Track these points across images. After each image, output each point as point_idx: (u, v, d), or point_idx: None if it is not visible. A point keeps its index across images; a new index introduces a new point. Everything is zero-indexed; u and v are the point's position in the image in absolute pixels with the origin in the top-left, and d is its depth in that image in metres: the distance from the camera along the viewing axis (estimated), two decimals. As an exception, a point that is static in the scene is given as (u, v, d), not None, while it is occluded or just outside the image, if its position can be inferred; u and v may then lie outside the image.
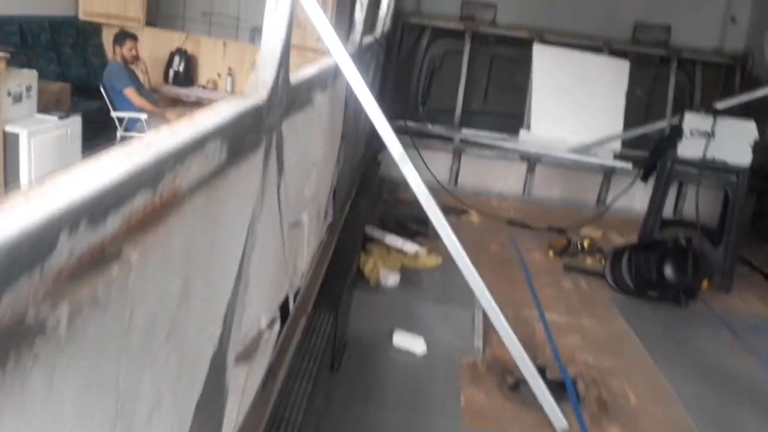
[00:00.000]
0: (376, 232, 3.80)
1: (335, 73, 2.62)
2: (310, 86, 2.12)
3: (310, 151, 2.38)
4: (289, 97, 1.74)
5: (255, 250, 1.60)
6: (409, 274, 3.56)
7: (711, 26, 6.06)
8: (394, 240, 3.73)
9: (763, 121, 5.51)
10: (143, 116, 6.71)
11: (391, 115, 5.85)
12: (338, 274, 2.96)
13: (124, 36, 6.82)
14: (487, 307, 2.73)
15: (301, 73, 2.01)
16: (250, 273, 1.57)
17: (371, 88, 4.71)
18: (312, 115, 2.26)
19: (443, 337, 3.15)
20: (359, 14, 3.28)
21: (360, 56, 3.45)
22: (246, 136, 1.37)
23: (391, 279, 3.38)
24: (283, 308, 2.21)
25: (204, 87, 8.40)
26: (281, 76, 1.62)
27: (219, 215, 1.25)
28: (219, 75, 8.50)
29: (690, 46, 6.04)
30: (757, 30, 5.86)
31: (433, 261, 3.66)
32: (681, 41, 6.07)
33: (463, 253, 2.76)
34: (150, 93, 7.04)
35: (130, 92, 6.41)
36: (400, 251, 3.68)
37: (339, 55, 2.57)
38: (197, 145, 1.05)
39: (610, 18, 6.03)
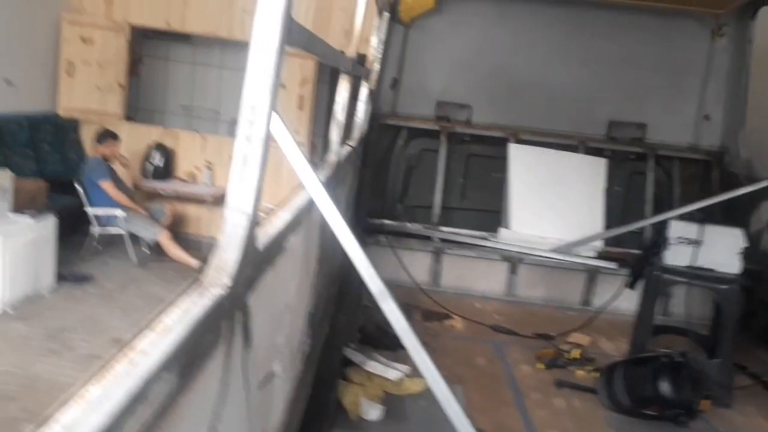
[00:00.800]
0: (356, 356, 3.58)
1: (310, 206, 2.49)
2: (282, 238, 1.97)
3: (283, 296, 2.21)
4: (256, 265, 1.58)
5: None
6: (393, 403, 3.32)
7: (686, 123, 6.15)
8: (375, 367, 3.50)
9: (744, 216, 5.53)
10: (119, 213, 6.54)
11: (370, 214, 5.80)
12: (315, 416, 2.72)
13: (105, 135, 6.77)
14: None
15: (271, 228, 1.86)
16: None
17: (349, 192, 4.62)
18: (284, 262, 2.10)
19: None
20: (335, 135, 3.19)
21: (336, 174, 3.35)
22: (202, 343, 1.19)
23: (372, 412, 3.13)
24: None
25: (183, 180, 8.30)
26: (248, 250, 1.46)
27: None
28: (198, 168, 8.42)
29: (666, 143, 6.11)
30: (730, 128, 5.96)
31: (417, 386, 3.43)
32: (657, 138, 6.14)
33: (444, 387, 2.55)
34: (128, 189, 6.92)
35: (107, 185, 6.31)
36: (382, 377, 3.45)
37: (314, 189, 2.44)
38: (139, 395, 0.87)
39: (584, 116, 6.11)
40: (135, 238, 6.69)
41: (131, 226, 6.53)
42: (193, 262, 6.08)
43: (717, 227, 4.18)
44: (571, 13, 5.98)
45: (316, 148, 8.54)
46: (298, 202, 2.32)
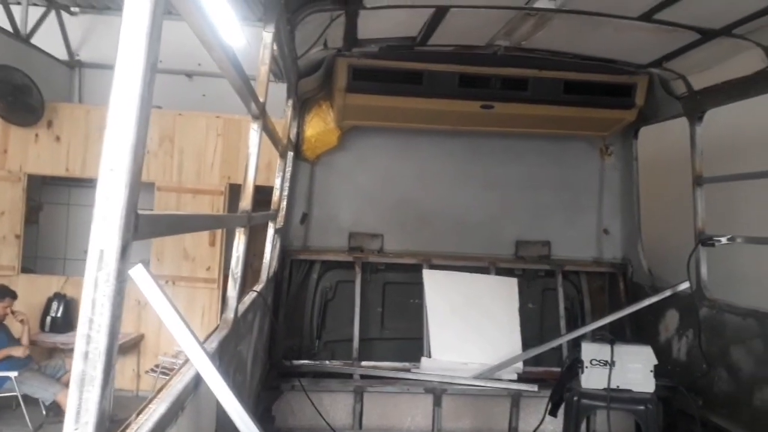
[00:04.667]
0: None
1: (197, 381, 2.29)
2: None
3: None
4: None
5: None
6: None
7: (587, 238, 6.42)
8: None
9: (653, 326, 5.67)
10: (13, 374, 6.03)
11: (285, 356, 5.54)
12: None
13: (1, 294, 6.39)
14: None
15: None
16: None
17: (258, 340, 4.40)
18: None
19: None
20: (232, 291, 3.05)
21: (236, 332, 3.18)
22: None
23: None
24: None
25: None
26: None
27: None
28: (101, 315, 7.92)
29: (571, 259, 6.32)
30: (630, 240, 6.25)
31: None
32: (562, 254, 6.35)
33: None
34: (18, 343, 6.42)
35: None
36: None
37: (199, 361, 2.26)
38: None
39: (492, 238, 6.27)
40: (32, 400, 6.13)
41: (26, 387, 6.00)
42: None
43: (627, 346, 4.23)
44: (471, 143, 6.29)
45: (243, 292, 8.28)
46: (178, 385, 2.12)
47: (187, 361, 2.28)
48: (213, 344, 2.66)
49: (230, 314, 3.06)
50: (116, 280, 1.22)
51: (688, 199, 5.22)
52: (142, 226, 1.35)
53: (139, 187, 1.30)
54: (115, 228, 1.22)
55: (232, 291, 3.08)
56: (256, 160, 3.13)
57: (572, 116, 5.52)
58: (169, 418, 1.89)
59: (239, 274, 3.15)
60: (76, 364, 1.27)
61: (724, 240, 4.86)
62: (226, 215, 2.84)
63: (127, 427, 1.71)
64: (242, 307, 3.57)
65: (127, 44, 1.25)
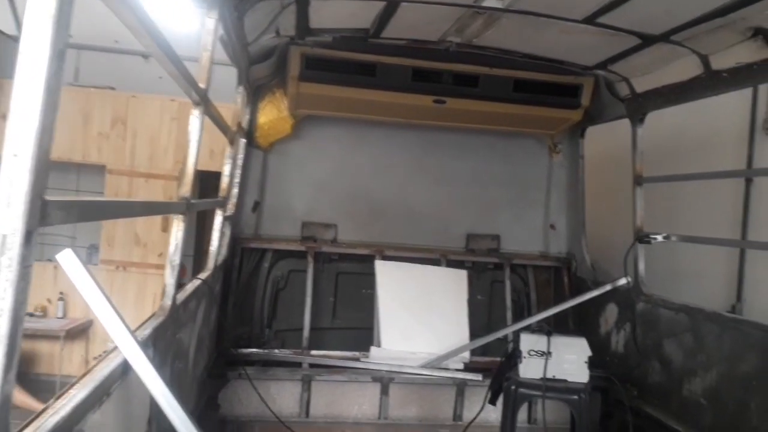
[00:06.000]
0: None
1: (125, 369, 2.30)
2: (72, 424, 1.77)
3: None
4: None
5: None
6: None
7: (535, 233, 6.59)
8: None
9: (594, 318, 5.87)
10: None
11: (235, 344, 5.54)
12: None
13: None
14: None
15: (49, 421, 1.67)
16: None
17: (202, 328, 4.40)
18: None
19: None
20: (170, 279, 3.06)
21: (173, 319, 3.19)
22: None
23: None
24: None
25: (32, 314, 7.66)
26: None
27: None
28: (49, 300, 7.82)
29: (519, 252, 6.47)
30: (574, 235, 6.44)
31: None
32: (510, 247, 6.50)
33: None
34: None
35: None
36: None
37: (128, 348, 2.27)
38: None
39: (444, 231, 6.38)
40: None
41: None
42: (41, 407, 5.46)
43: (563, 338, 4.37)
44: (423, 136, 6.37)
45: (186, 270, 8.21)
46: (104, 370, 2.13)
47: (115, 348, 2.29)
48: (146, 331, 2.67)
49: (168, 301, 3.07)
50: (20, 265, 1.23)
51: (630, 196, 5.41)
52: (52, 212, 1.36)
53: (47, 172, 1.30)
54: (19, 213, 1.23)
55: (170, 278, 3.09)
56: (197, 146, 3.13)
57: (521, 114, 5.64)
58: (90, 403, 1.91)
59: (177, 261, 3.16)
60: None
61: (659, 238, 5.06)
62: (160, 202, 2.81)
63: (43, 411, 1.72)
64: (184, 295, 3.58)
65: (33, 18, 1.22)
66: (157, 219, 8.21)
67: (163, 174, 8.34)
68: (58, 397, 1.82)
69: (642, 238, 5.15)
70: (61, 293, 7.77)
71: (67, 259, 2.10)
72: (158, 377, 2.28)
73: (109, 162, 8.23)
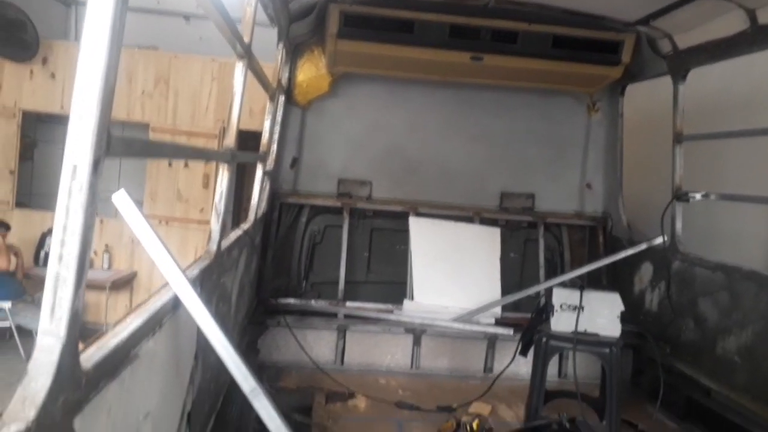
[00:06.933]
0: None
1: (176, 304, 2.46)
2: (130, 346, 1.94)
3: (140, 406, 2.14)
4: (83, 388, 1.55)
5: None
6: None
7: (570, 192, 6.57)
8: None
9: (628, 277, 5.88)
10: (5, 305, 6.21)
11: (273, 294, 5.75)
12: None
13: (-7, 225, 6.54)
14: None
15: (112, 339, 1.83)
16: None
17: (244, 276, 4.59)
18: (137, 370, 2.06)
19: None
20: (215, 225, 3.21)
21: (218, 263, 3.35)
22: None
23: None
24: None
25: (79, 265, 7.99)
26: (64, 377, 1.42)
27: None
28: (95, 252, 8.16)
29: (554, 211, 6.48)
30: (611, 195, 6.41)
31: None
32: (545, 206, 6.51)
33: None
34: (16, 281, 6.62)
35: None
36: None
37: (178, 285, 2.43)
38: None
39: (478, 189, 6.42)
40: (25, 331, 6.35)
41: (19, 318, 6.21)
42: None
43: (596, 293, 4.40)
44: (460, 94, 6.36)
45: (226, 227, 8.45)
46: (156, 303, 2.29)
47: (166, 284, 2.44)
48: (194, 272, 2.82)
49: (213, 246, 3.23)
50: (89, 190, 1.36)
51: (670, 156, 5.34)
52: (115, 146, 1.49)
53: (110, 109, 1.43)
54: (88, 145, 1.35)
55: (215, 224, 3.24)
56: (240, 99, 3.24)
57: (560, 71, 5.59)
58: (145, 331, 2.06)
59: (222, 208, 3.31)
60: (51, 266, 1.43)
61: (698, 196, 5.01)
62: (208, 149, 2.93)
63: (103, 334, 1.88)
64: (227, 242, 3.74)
65: None
66: (199, 176, 8.44)
67: (204, 132, 8.52)
68: (117, 324, 1.98)
69: (680, 196, 5.11)
70: (106, 245, 8.10)
71: (122, 199, 2.25)
72: (206, 311, 2.44)
73: (152, 120, 8.45)
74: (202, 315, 2.47)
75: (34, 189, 8.20)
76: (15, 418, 1.26)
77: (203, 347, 3.05)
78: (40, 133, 8.23)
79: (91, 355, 1.63)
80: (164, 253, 2.38)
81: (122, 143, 1.57)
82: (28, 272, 7.01)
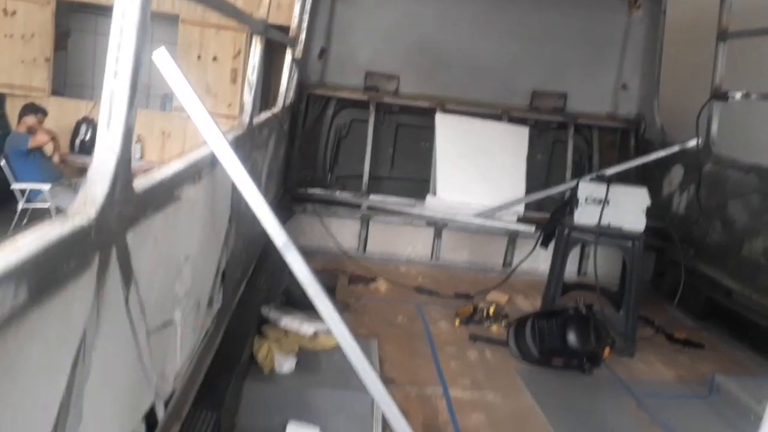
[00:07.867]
0: (272, 313, 3.65)
1: (213, 161, 2.53)
2: (173, 185, 2.02)
3: (181, 246, 2.25)
4: (135, 205, 1.64)
5: (91, 378, 1.45)
6: (307, 358, 3.42)
7: (604, 93, 6.41)
8: (290, 322, 3.58)
9: (658, 180, 5.83)
10: (45, 187, 6.40)
11: (300, 183, 5.84)
12: (224, 367, 2.79)
13: (32, 109, 6.66)
14: (377, 398, 2.62)
15: (158, 174, 1.91)
16: (83, 405, 1.42)
17: (273, 160, 4.65)
18: (180, 212, 2.15)
19: (341, 425, 3.01)
20: (248, 96, 3.23)
21: (250, 136, 3.39)
22: (61, 265, 1.24)
23: (286, 365, 3.22)
24: (151, 418, 2.04)
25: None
26: (119, 188, 1.51)
27: (17, 365, 1.11)
28: (126, 142, 8.25)
29: (585, 112, 6.35)
30: (646, 97, 6.24)
31: (332, 341, 3.53)
32: (577, 107, 6.37)
33: (353, 343, 2.65)
34: (54, 165, 6.78)
35: (32, 141, 6.24)
36: (297, 333, 3.54)
37: (216, 143, 2.48)
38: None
39: (508, 87, 6.28)
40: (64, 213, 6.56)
41: (58, 199, 6.41)
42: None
43: (623, 187, 4.39)
44: None
45: (257, 104, 8.50)
46: (196, 154, 2.35)
47: (204, 142, 2.50)
48: (229, 137, 2.86)
49: (245, 118, 3.26)
50: (141, 11, 1.40)
51: (711, 59, 5.12)
52: None
53: None
54: None
55: (248, 96, 3.25)
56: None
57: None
58: (185, 176, 2.14)
59: (255, 81, 3.31)
60: (107, 83, 1.49)
61: (738, 95, 4.86)
62: (243, 13, 2.91)
63: (150, 169, 1.96)
64: (258, 120, 3.76)
65: None
66: (227, 71, 8.39)
67: (233, 26, 8.37)
68: (160, 167, 2.06)
69: (719, 95, 4.96)
70: (138, 136, 8.20)
71: (162, 57, 2.26)
72: (242, 168, 2.50)
73: (182, 11, 8.31)
74: (238, 171, 2.53)
75: (69, 79, 8.22)
76: (79, 212, 1.34)
77: (237, 212, 3.15)
78: (73, 22, 8.16)
79: (141, 183, 1.72)
80: (203, 111, 2.42)
81: None
82: (64, 158, 7.18)
